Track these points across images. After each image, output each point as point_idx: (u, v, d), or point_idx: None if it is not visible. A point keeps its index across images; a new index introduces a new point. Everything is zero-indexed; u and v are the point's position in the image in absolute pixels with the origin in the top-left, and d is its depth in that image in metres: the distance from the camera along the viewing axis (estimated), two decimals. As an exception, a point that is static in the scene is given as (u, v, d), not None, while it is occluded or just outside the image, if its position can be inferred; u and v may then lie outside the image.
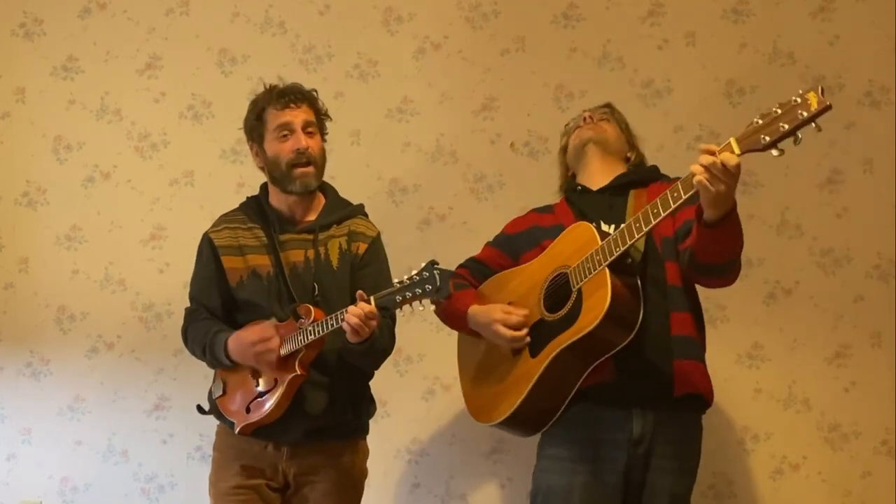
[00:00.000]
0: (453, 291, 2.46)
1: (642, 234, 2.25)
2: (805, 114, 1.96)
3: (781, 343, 3.25)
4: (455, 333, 2.83)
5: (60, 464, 3.41)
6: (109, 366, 3.41)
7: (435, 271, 2.24)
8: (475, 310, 2.56)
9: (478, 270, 2.72)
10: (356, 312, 2.32)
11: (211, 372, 2.69)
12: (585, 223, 2.47)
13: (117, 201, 3.46)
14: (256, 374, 2.54)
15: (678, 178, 2.56)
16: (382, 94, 3.42)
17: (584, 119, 2.72)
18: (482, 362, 2.65)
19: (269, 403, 2.48)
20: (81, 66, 3.50)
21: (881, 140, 3.26)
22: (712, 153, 2.08)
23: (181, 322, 2.70)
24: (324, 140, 2.63)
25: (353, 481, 2.63)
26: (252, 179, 3.17)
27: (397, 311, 2.42)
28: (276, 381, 2.48)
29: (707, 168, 2.08)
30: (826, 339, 3.24)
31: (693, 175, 2.12)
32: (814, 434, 3.22)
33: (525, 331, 2.46)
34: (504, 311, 2.50)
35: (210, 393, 2.67)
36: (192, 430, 3.33)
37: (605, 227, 2.52)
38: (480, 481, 3.31)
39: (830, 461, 3.21)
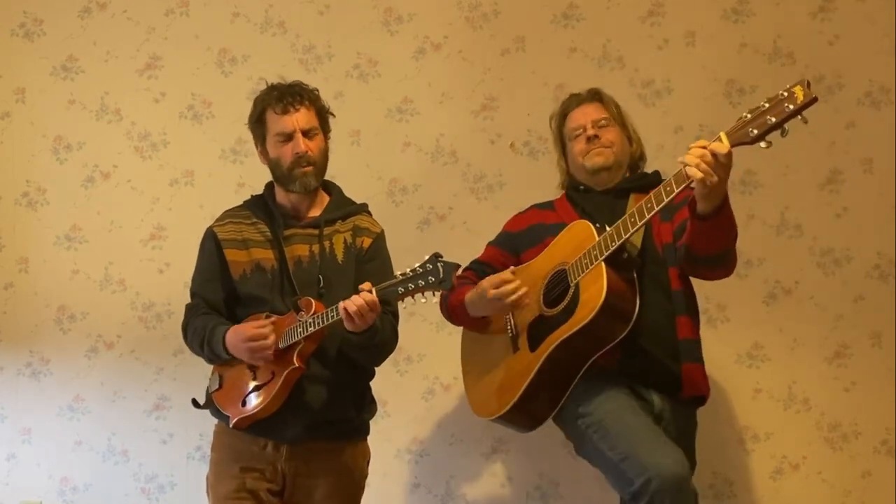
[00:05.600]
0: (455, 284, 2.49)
1: (637, 227, 2.29)
2: (791, 107, 2.00)
3: (781, 343, 3.25)
4: (456, 333, 2.84)
5: (60, 464, 3.40)
6: (109, 366, 3.41)
7: (439, 263, 2.22)
8: (469, 294, 2.59)
9: (482, 272, 2.72)
10: (357, 300, 2.31)
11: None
12: (584, 221, 2.50)
13: (117, 201, 3.46)
14: (253, 368, 2.52)
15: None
16: (382, 94, 3.42)
17: (588, 138, 2.63)
18: (484, 359, 2.68)
19: (266, 396, 2.46)
20: (81, 66, 3.49)
21: (881, 140, 3.26)
22: (703, 147, 2.13)
23: (181, 322, 2.69)
24: (327, 137, 2.63)
25: (352, 484, 2.62)
26: (252, 179, 3.18)
27: (399, 305, 2.41)
28: (273, 374, 2.47)
29: (700, 159, 2.12)
30: (826, 339, 3.24)
31: (685, 168, 2.15)
32: (814, 434, 3.23)
33: (516, 282, 2.45)
34: (490, 278, 2.52)
35: (207, 388, 2.66)
36: (192, 430, 3.33)
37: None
38: (480, 481, 3.31)
39: (830, 461, 3.21)
